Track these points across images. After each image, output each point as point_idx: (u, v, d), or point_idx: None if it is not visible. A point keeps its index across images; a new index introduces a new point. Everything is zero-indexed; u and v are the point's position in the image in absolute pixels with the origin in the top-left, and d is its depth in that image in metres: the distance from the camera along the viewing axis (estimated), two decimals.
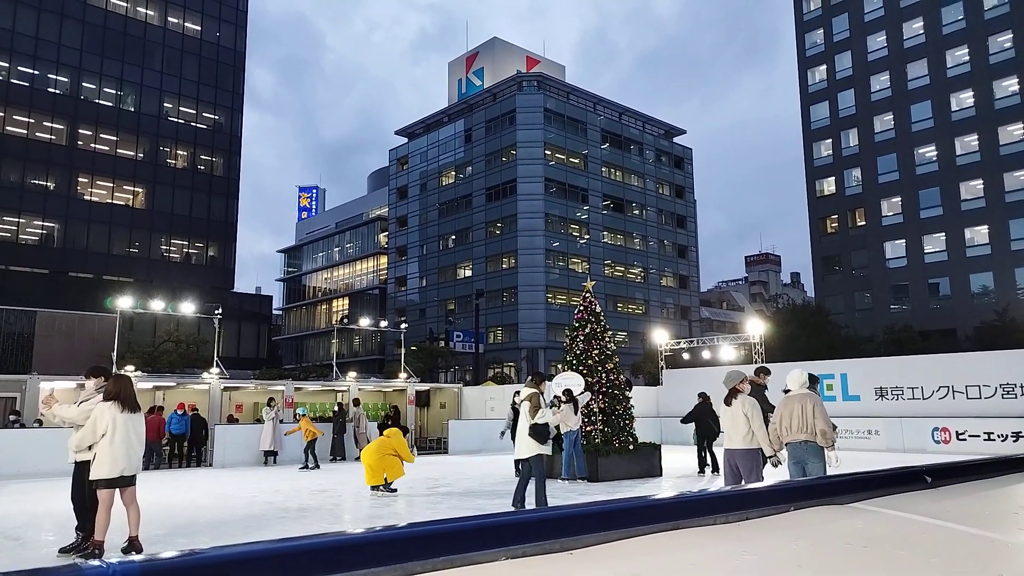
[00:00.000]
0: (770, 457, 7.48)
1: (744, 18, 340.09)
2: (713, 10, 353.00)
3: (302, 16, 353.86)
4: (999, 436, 17.03)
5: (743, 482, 7.59)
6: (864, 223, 51.29)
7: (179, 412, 18.81)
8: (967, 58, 47.15)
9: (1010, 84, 45.36)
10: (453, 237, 66.49)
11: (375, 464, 11.90)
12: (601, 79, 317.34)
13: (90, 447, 6.94)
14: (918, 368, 19.77)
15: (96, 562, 1.12)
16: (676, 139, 74.38)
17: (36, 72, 50.71)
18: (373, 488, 12.06)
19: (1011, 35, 45.43)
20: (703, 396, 15.29)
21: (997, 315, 38.68)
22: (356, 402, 20.55)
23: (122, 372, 9.61)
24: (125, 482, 6.91)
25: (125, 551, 6.99)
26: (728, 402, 7.80)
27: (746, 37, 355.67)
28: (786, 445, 7.32)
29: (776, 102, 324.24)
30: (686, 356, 31.56)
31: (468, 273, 64.11)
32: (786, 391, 7.53)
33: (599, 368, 14.51)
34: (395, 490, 12.09)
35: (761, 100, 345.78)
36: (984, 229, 45.57)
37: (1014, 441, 16.77)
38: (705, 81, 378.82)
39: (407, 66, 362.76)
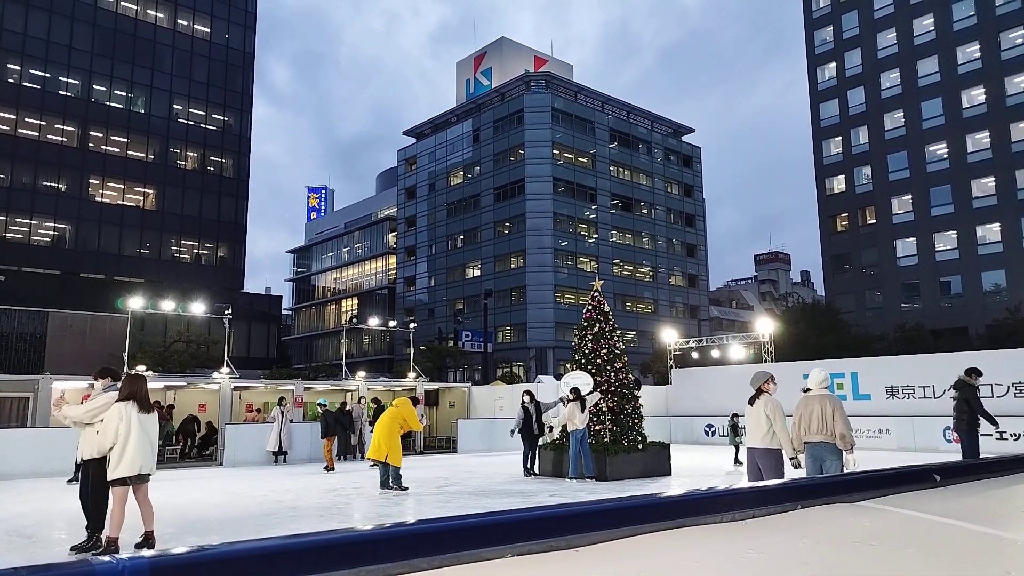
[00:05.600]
0: (792, 459, 7.57)
1: (770, 10, 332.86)
2: (739, 1, 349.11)
3: (319, 8, 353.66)
4: (1011, 435, 16.90)
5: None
6: (874, 221, 51.00)
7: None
8: (978, 54, 46.79)
9: (1022, 80, 44.99)
10: (461, 237, 66.53)
11: (383, 441, 12.02)
12: (624, 72, 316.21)
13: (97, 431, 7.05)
14: (929, 367, 19.64)
15: (107, 558, 1.14)
16: (685, 138, 74.18)
17: (47, 75, 51.07)
18: (384, 466, 12.12)
19: (1023, 31, 45.06)
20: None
21: (1009, 313, 38.38)
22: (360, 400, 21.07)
23: (136, 372, 9.69)
24: (140, 480, 7.01)
25: (139, 546, 7.06)
26: (752, 402, 7.87)
27: (771, 30, 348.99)
28: (805, 444, 7.40)
29: (795, 97, 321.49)
30: (695, 355, 31.47)
31: (477, 273, 64.14)
32: (805, 390, 7.57)
33: (608, 367, 14.48)
34: (406, 488, 12.13)
35: (782, 95, 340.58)
36: (996, 227, 45.23)
37: None
38: (728, 75, 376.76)
39: (425, 59, 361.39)
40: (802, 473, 7.40)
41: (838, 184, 53.56)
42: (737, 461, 16.07)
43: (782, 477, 7.58)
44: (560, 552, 1.61)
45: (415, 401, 13.24)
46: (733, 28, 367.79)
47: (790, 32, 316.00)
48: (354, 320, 68.40)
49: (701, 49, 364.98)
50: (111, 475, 6.85)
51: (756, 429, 7.79)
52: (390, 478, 12.19)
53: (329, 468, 16.21)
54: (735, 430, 16.04)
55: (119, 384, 7.35)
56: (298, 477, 15.13)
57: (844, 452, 7.22)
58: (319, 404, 17.56)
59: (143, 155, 54.36)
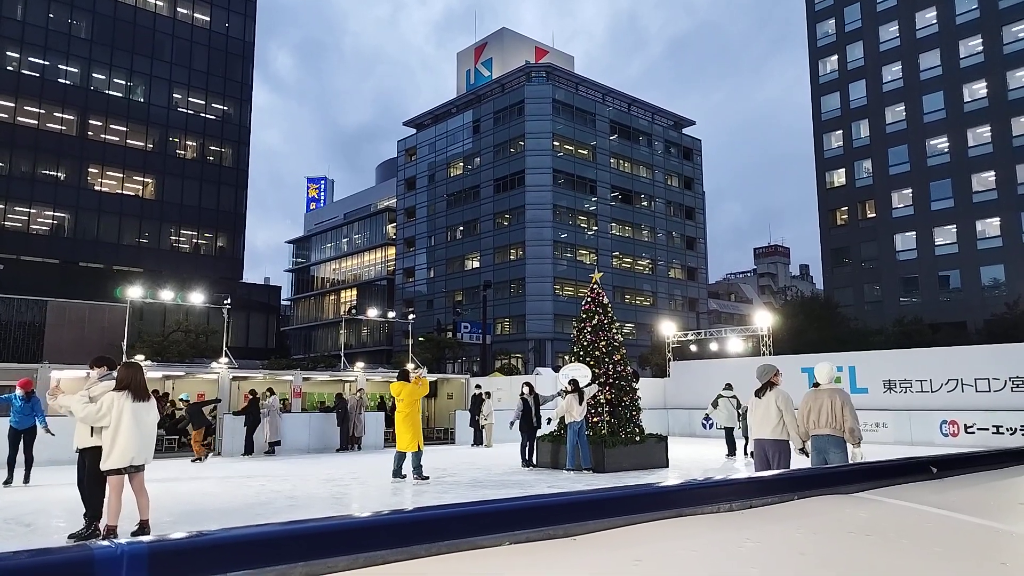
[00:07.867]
0: (800, 449, 7.73)
1: (778, 2, 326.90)
2: None
3: None
4: (1008, 429, 16.96)
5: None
6: (874, 215, 50.96)
7: (20, 393, 11.87)
8: (980, 48, 46.65)
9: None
10: (461, 228, 66.46)
11: (410, 432, 12.04)
12: (630, 63, 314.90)
13: (92, 433, 6.99)
14: (927, 361, 19.68)
15: (106, 542, 1.14)
16: (685, 130, 74.04)
17: (47, 63, 50.87)
18: (400, 455, 12.14)
19: None
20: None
21: (1008, 308, 38.43)
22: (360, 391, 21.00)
23: (133, 361, 9.68)
24: (134, 469, 6.97)
25: (135, 535, 7.06)
26: (760, 394, 8.01)
27: (778, 23, 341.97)
28: (811, 437, 7.56)
29: (799, 92, 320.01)
30: (693, 348, 31.52)
31: (476, 264, 64.10)
32: (815, 385, 7.65)
33: (606, 359, 14.50)
34: (427, 477, 12.13)
35: (788, 89, 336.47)
36: (996, 221, 45.21)
37: (1023, 434, 16.69)
38: (734, 68, 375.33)
39: (429, 48, 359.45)
40: (808, 463, 7.49)
41: (838, 178, 53.50)
42: (746, 452, 16.08)
43: (788, 466, 7.71)
44: (558, 540, 1.61)
45: (403, 374, 13.16)
46: (741, 21, 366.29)
47: (797, 26, 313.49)
48: (353, 311, 68.43)
49: (708, 41, 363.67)
50: (103, 466, 6.80)
51: (766, 420, 7.94)
52: (412, 467, 12.16)
53: (196, 459, 16.21)
54: (745, 418, 16.06)
55: (115, 373, 7.30)
56: (295, 467, 15.16)
57: (851, 446, 7.31)
58: (181, 399, 17.36)
59: (142, 144, 54.21)
